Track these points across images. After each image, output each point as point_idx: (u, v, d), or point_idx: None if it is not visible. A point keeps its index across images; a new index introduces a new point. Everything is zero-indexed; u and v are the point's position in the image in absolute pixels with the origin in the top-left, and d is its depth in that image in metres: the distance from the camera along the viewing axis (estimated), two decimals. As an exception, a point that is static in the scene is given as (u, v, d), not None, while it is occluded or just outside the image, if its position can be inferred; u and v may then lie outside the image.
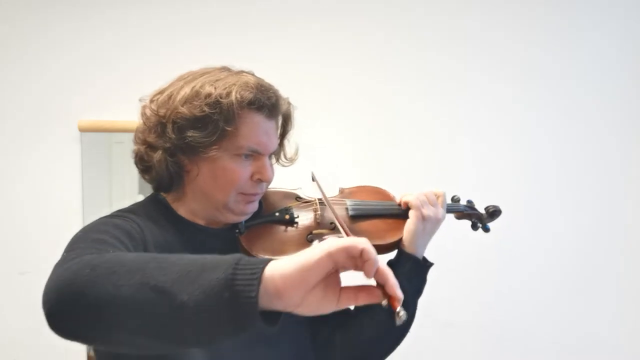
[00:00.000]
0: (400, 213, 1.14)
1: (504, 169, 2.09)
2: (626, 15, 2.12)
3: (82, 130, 1.93)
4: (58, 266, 0.77)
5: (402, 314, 0.64)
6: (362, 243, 0.66)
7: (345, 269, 0.68)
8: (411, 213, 1.11)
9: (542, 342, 2.11)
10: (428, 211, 1.11)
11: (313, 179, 1.11)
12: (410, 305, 1.11)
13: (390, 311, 0.65)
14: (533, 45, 2.09)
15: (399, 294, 0.66)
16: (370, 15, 2.04)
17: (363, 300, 0.70)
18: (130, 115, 1.89)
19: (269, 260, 0.65)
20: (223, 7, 1.99)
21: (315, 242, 1.03)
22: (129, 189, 1.97)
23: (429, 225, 1.11)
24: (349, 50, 2.03)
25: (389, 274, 0.67)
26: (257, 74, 1.07)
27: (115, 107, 1.91)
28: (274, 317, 0.66)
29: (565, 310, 2.11)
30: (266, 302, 0.64)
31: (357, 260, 0.66)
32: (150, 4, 1.97)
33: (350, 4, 2.03)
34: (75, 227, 2.08)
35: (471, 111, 2.09)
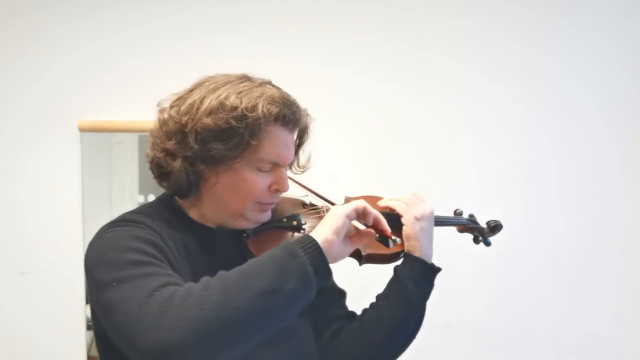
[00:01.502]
0: (400, 222, 1.14)
1: (504, 169, 2.09)
2: (626, 15, 2.12)
3: (82, 130, 1.93)
4: (143, 305, 0.81)
5: (394, 238, 0.97)
6: (363, 203, 0.96)
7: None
8: (403, 219, 1.11)
9: (542, 342, 2.11)
10: (417, 210, 1.11)
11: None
12: (418, 311, 1.11)
13: (385, 238, 0.98)
14: (533, 45, 2.09)
15: (387, 227, 0.98)
16: (370, 15, 2.04)
17: (365, 238, 0.99)
18: (131, 115, 1.91)
19: (309, 236, 0.89)
20: (223, 7, 1.98)
21: None
22: (129, 189, 1.97)
23: (424, 224, 1.11)
24: (349, 50, 2.03)
25: (381, 217, 0.98)
26: (257, 74, 1.07)
27: (115, 107, 1.92)
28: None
29: (565, 310, 2.11)
30: None
31: (360, 215, 0.96)
32: (150, 4, 1.97)
33: (350, 4, 2.03)
34: (75, 227, 2.10)
35: (471, 111, 2.08)
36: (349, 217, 0.93)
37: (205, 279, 0.85)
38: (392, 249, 1.10)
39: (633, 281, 2.13)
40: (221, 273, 0.85)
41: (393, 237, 0.96)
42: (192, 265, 1.00)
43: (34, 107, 1.95)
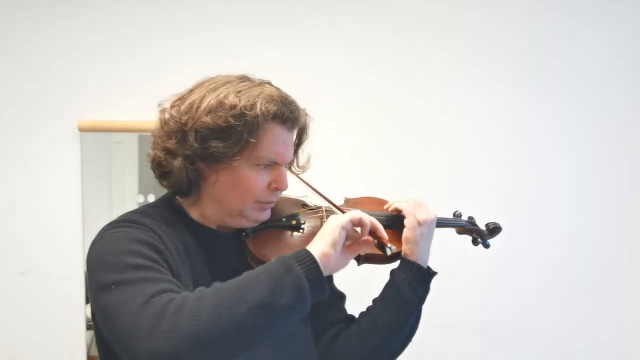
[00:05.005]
0: (403, 225, 1.14)
1: (504, 169, 2.09)
2: (626, 15, 2.12)
3: (82, 130, 1.93)
4: (139, 312, 0.82)
5: (390, 246, 0.97)
6: (359, 214, 0.96)
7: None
8: (406, 221, 1.11)
9: (542, 342, 2.10)
10: (422, 215, 1.11)
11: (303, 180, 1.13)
12: (414, 315, 1.11)
13: (382, 246, 0.97)
14: (533, 45, 2.09)
15: (385, 234, 0.98)
16: (370, 15, 2.04)
17: (364, 246, 0.98)
18: (131, 115, 1.91)
19: (306, 250, 0.89)
20: (223, 7, 1.98)
21: None
22: (129, 189, 1.97)
23: (426, 229, 1.11)
24: (349, 50, 2.03)
25: (378, 225, 0.98)
26: (257, 74, 1.08)
27: (115, 107, 1.91)
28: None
29: (567, 313, 2.11)
30: None
31: (357, 225, 0.96)
32: (150, 3, 1.97)
33: (351, 4, 2.03)
34: (75, 227, 2.09)
35: (471, 111, 2.08)
36: (345, 229, 0.93)
37: (200, 289, 0.86)
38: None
39: (633, 281, 2.13)
40: (216, 284, 0.86)
41: (389, 245, 0.97)
42: (192, 266, 1.01)
43: (34, 107, 1.94)
